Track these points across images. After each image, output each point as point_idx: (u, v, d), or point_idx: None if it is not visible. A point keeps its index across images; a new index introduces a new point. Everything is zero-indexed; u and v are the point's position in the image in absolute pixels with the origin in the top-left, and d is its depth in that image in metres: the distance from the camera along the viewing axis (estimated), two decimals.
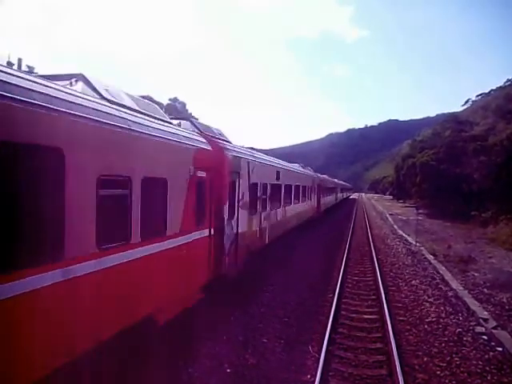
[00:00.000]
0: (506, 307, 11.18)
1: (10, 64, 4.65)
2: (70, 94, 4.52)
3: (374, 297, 11.85)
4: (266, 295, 11.24)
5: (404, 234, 27.30)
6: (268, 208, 14.30)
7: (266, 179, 13.82)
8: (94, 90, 5.50)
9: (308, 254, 18.09)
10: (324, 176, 41.24)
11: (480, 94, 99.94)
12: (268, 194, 14.20)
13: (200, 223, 8.07)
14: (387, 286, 13.02)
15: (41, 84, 4.07)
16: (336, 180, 56.07)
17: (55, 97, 4.12)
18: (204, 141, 8.66)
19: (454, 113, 78.55)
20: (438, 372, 7.18)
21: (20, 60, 5.11)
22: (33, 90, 3.82)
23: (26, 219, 3.74)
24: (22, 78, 3.88)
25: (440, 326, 9.51)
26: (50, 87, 4.21)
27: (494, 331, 9.08)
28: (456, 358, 7.76)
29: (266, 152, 22.70)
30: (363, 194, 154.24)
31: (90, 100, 4.85)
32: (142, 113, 6.26)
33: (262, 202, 13.54)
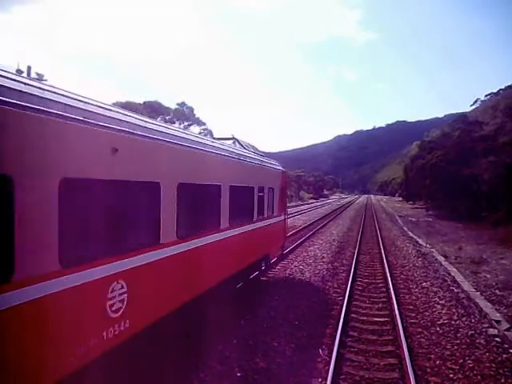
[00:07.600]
0: None
1: (19, 71, 4.69)
2: (234, 148, 10.17)
3: (384, 299, 11.77)
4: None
5: (414, 236, 27.03)
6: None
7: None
8: (240, 144, 11.33)
9: (315, 263, 17.97)
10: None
11: (489, 94, 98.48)
12: None
13: (281, 211, 14.52)
14: (398, 288, 12.92)
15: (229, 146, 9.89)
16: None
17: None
18: (279, 165, 14.77)
19: (463, 113, 77.56)
20: (451, 375, 7.08)
21: (29, 68, 5.17)
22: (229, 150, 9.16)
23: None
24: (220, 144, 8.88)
25: (452, 329, 9.39)
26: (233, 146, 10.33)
27: (506, 333, 8.93)
28: (469, 361, 7.64)
29: (273, 155, 23.22)
30: (372, 196, 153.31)
31: (238, 149, 10.25)
32: (254, 152, 12.02)
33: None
